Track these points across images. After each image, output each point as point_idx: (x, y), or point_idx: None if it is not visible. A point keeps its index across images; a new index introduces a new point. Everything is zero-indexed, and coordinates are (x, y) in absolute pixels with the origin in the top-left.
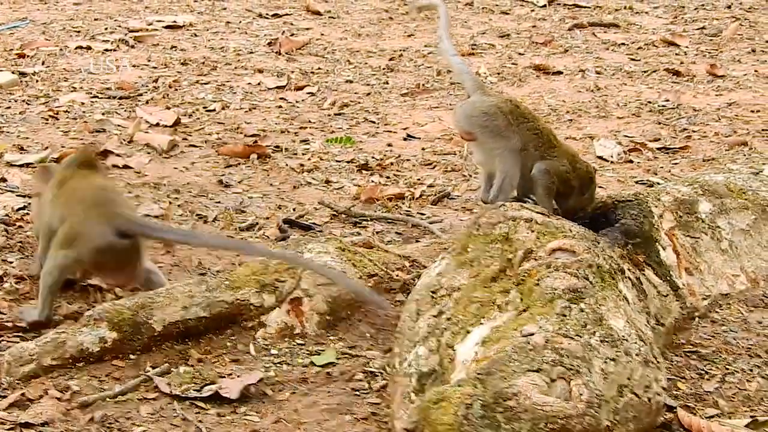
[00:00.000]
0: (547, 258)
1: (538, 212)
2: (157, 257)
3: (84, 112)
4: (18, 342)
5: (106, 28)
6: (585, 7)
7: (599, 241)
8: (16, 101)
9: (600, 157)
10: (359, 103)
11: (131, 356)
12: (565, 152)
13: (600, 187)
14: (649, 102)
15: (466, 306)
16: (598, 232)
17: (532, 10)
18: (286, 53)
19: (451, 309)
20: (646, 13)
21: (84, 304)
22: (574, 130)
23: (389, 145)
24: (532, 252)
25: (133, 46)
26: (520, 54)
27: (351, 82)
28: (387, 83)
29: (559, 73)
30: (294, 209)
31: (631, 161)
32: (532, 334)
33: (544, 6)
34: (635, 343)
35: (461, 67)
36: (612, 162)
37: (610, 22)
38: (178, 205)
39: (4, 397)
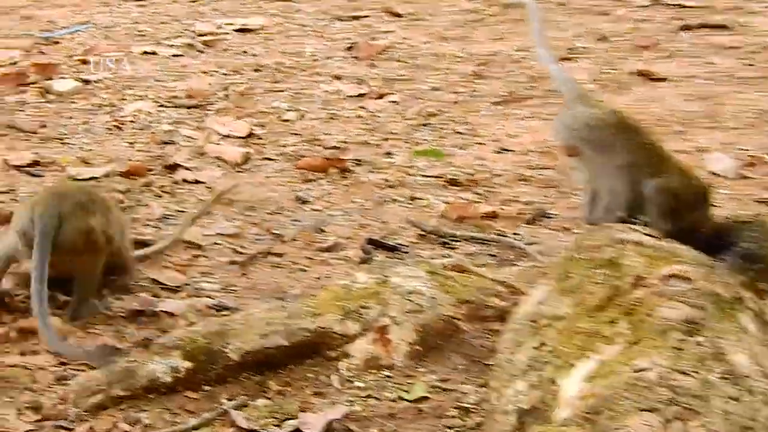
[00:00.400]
0: (660, 285)
1: (647, 234)
2: (230, 279)
3: (151, 122)
4: (85, 371)
5: (172, 32)
6: (691, 7)
7: (717, 267)
8: (78, 110)
9: (713, 173)
10: (446, 112)
11: (206, 387)
12: (677, 167)
13: (714, 206)
14: (765, 111)
15: (570, 337)
16: (714, 256)
17: (633, 11)
18: (366, 58)
19: (553, 340)
20: (760, 13)
21: (155, 331)
22: (683, 143)
23: (480, 158)
24: (642, 279)
25: (201, 51)
26: (620, 59)
27: (437, 89)
28: (476, 91)
29: (665, 79)
30: (378, 228)
31: (747, 177)
32: (645, 370)
33: (647, 6)
34: (759, 380)
35: (560, 75)
36: (726, 178)
37: (720, 23)
38: (253, 224)
39: (71, 429)
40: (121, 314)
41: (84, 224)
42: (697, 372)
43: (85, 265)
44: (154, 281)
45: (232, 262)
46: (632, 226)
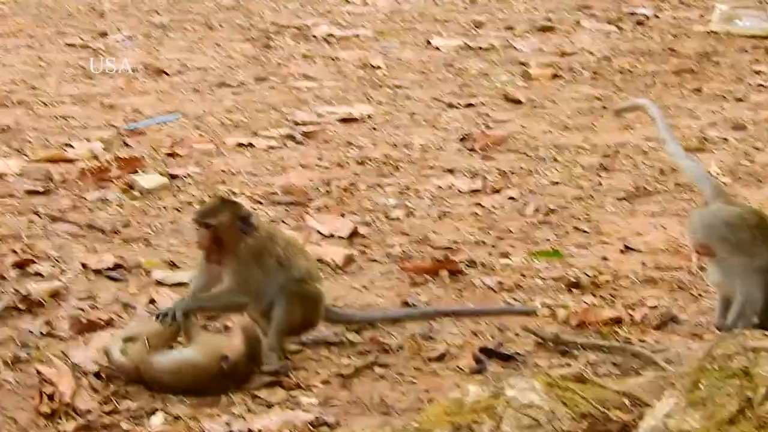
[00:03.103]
0: None
1: None
2: (331, 392)
3: None
4: None
5: (270, 122)
6: None
7: None
8: (165, 208)
9: None
10: (568, 208)
11: None
12: None
13: None
14: None
15: None
16: None
17: None
18: (481, 150)
19: None
20: None
21: None
22: None
23: (604, 258)
24: None
25: (301, 143)
26: (758, 149)
27: (558, 183)
28: (601, 185)
29: None
30: (492, 336)
31: None
32: None
33: None
34: None
35: (696, 171)
36: None
37: None
38: (355, 331)
39: None
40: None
41: None
42: None
43: None
44: (250, 395)
45: (334, 375)
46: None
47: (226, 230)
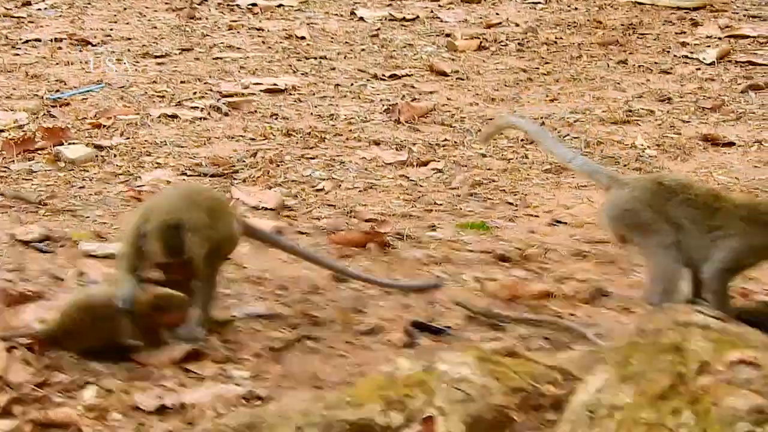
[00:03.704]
0: (727, 372)
1: (713, 317)
2: (262, 365)
3: None
4: None
5: (194, 93)
6: (762, 65)
7: None
8: (92, 179)
9: None
10: (494, 181)
11: None
12: (736, 206)
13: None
14: None
15: (631, 428)
16: None
17: (698, 69)
18: (407, 121)
19: None
20: None
21: (180, 424)
22: None
23: (532, 231)
24: (707, 365)
25: (226, 114)
26: (684, 121)
27: (484, 156)
28: (527, 157)
29: (732, 144)
30: (423, 309)
31: None
32: None
33: (713, 64)
34: None
35: (588, 166)
36: None
37: None
38: (286, 304)
39: None
40: (143, 407)
41: None
42: None
43: None
44: (181, 368)
45: (266, 348)
46: (697, 308)
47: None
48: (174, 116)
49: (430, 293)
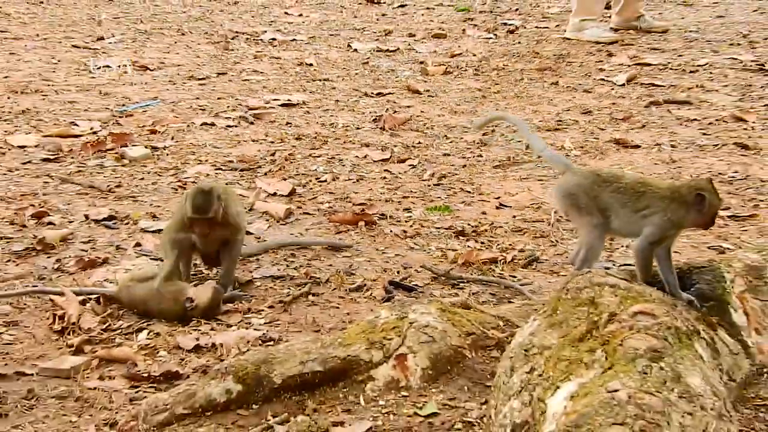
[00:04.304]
0: (630, 320)
1: (621, 278)
2: (275, 315)
3: None
4: (153, 393)
5: (228, 107)
6: (661, 85)
7: (677, 305)
8: (148, 173)
9: None
10: (456, 174)
11: (254, 406)
12: (660, 189)
13: (676, 252)
14: (720, 173)
15: (556, 363)
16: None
17: (612, 89)
18: (390, 129)
19: (542, 366)
20: (717, 91)
21: (212, 359)
22: None
23: (483, 213)
24: (615, 315)
25: (252, 123)
26: (601, 129)
27: (448, 155)
28: (481, 156)
29: (638, 146)
30: (398, 272)
31: None
32: (617, 391)
33: (623, 85)
34: (710, 398)
35: (551, 156)
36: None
37: (684, 99)
38: (294, 268)
39: None
40: (183, 346)
41: None
42: (659, 392)
43: None
44: (214, 319)
45: (277, 301)
46: (609, 272)
47: (218, 213)
48: (212, 124)
49: (349, 252)
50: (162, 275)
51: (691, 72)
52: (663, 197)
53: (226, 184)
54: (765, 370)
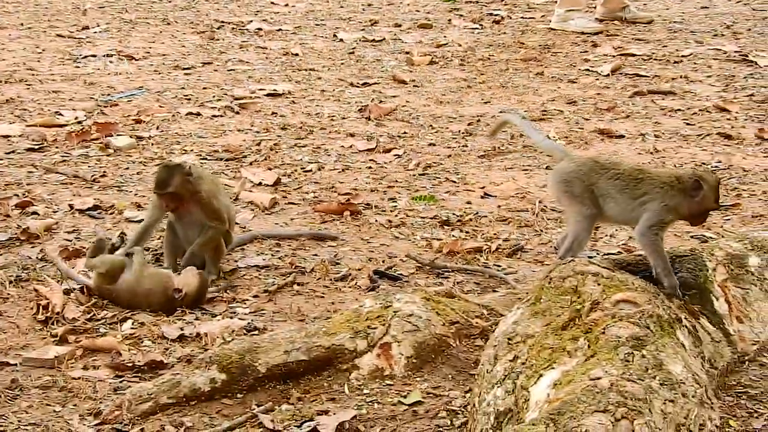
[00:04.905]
0: (612, 309)
1: (604, 267)
2: (260, 304)
3: None
4: (138, 382)
5: (213, 96)
6: (645, 76)
7: (659, 293)
8: (133, 163)
9: None
10: (441, 164)
11: (238, 395)
12: (657, 176)
13: None
14: (703, 163)
15: (539, 351)
16: (658, 284)
17: (597, 79)
18: (375, 119)
19: (525, 354)
20: (700, 81)
21: (196, 348)
22: None
23: (468, 202)
24: (598, 303)
25: (237, 113)
26: (585, 119)
27: (433, 145)
28: (466, 146)
29: (622, 136)
30: (383, 261)
31: None
32: (599, 378)
33: (608, 75)
34: (691, 385)
35: (550, 145)
36: None
37: (668, 90)
38: (279, 258)
39: None
40: (167, 336)
41: None
42: (641, 379)
43: None
44: (198, 307)
45: (262, 291)
46: (591, 261)
47: (182, 189)
48: (197, 114)
49: (335, 242)
50: (137, 262)
51: (675, 62)
52: (662, 183)
53: (212, 173)
54: (746, 357)
